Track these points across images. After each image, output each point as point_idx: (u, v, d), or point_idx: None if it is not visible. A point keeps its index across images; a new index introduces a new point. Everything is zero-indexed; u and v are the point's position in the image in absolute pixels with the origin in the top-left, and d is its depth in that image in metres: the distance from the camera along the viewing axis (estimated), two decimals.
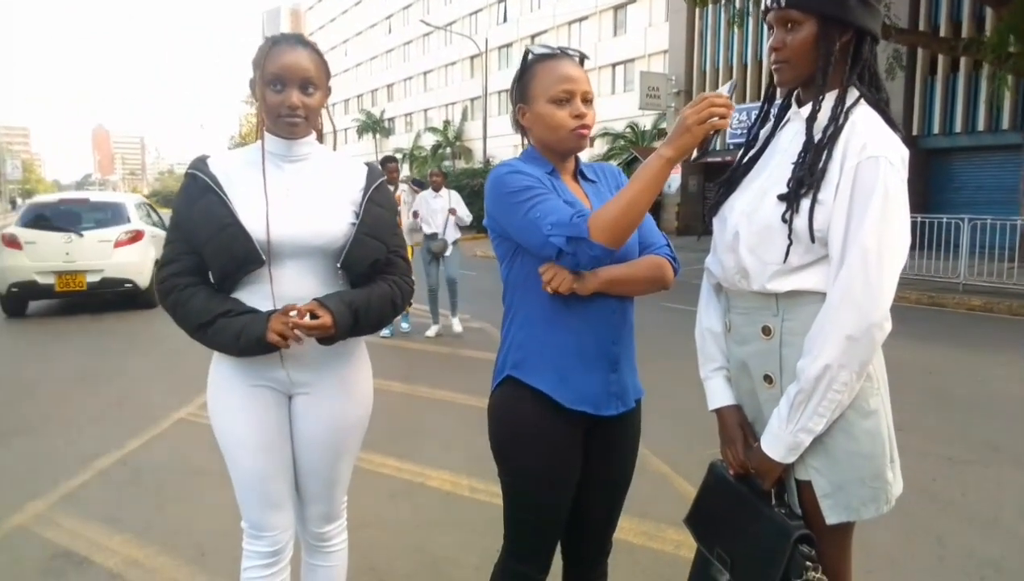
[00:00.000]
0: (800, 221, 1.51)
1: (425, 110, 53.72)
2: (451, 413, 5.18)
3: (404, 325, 8.50)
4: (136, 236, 10.11)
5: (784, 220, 1.53)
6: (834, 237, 1.49)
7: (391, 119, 57.67)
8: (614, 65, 36.85)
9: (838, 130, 1.52)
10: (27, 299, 9.81)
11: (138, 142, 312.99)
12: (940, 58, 18.48)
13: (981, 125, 18.18)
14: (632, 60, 36.36)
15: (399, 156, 38.67)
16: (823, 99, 1.56)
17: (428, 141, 49.83)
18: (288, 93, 1.81)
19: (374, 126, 57.15)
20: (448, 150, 47.25)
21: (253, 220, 1.80)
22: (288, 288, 1.86)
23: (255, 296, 1.86)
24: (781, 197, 1.54)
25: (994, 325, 9.22)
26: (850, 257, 1.46)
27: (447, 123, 48.13)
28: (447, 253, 8.33)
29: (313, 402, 1.97)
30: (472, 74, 46.81)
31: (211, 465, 4.19)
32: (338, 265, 1.90)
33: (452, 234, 8.37)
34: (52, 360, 7.19)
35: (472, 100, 45.23)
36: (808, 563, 1.51)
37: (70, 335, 8.57)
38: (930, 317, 9.59)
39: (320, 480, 2.06)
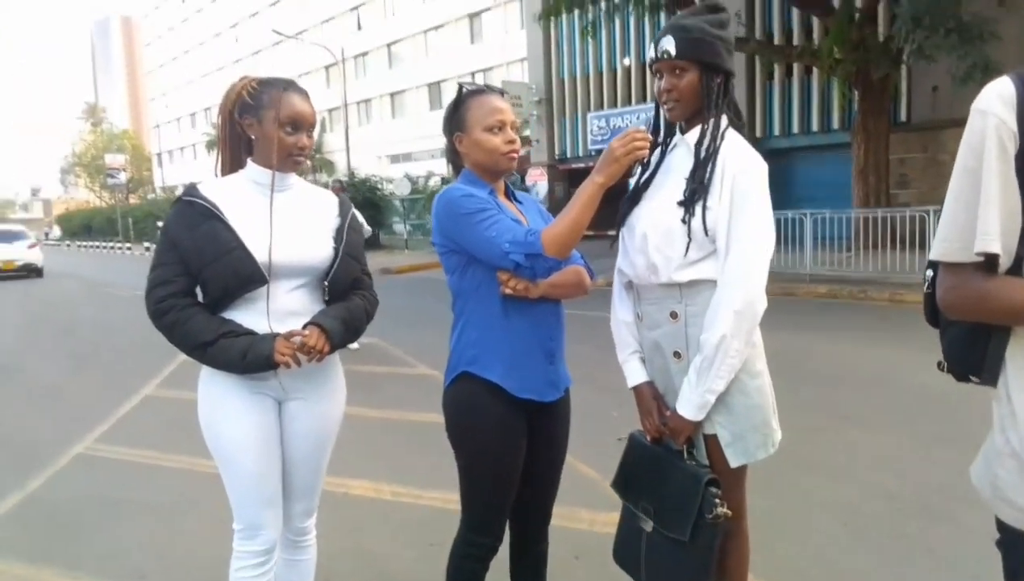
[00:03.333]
0: (696, 222, 1.88)
1: None
2: (357, 426, 5.27)
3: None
4: (36, 244, 23.97)
5: (684, 222, 1.89)
6: (720, 234, 1.88)
7: None
8: (473, 73, 37.39)
9: (716, 150, 1.91)
10: None
11: None
12: (775, 65, 20.12)
13: (815, 126, 19.99)
14: (491, 68, 37.05)
15: None
16: (707, 127, 1.94)
17: None
18: (300, 136, 2.04)
19: None
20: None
21: (255, 243, 1.98)
22: (282, 303, 2.05)
23: (250, 313, 2.03)
24: (680, 203, 1.91)
25: (839, 310, 10.28)
26: (733, 250, 1.86)
27: None
28: None
29: (305, 405, 2.17)
30: (328, 84, 46.11)
31: (127, 494, 4.15)
32: (325, 283, 2.11)
33: None
34: None
35: (330, 111, 44.57)
36: (716, 500, 1.88)
37: None
38: (783, 306, 10.47)
39: (309, 476, 2.26)
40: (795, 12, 19.31)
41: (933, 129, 16.68)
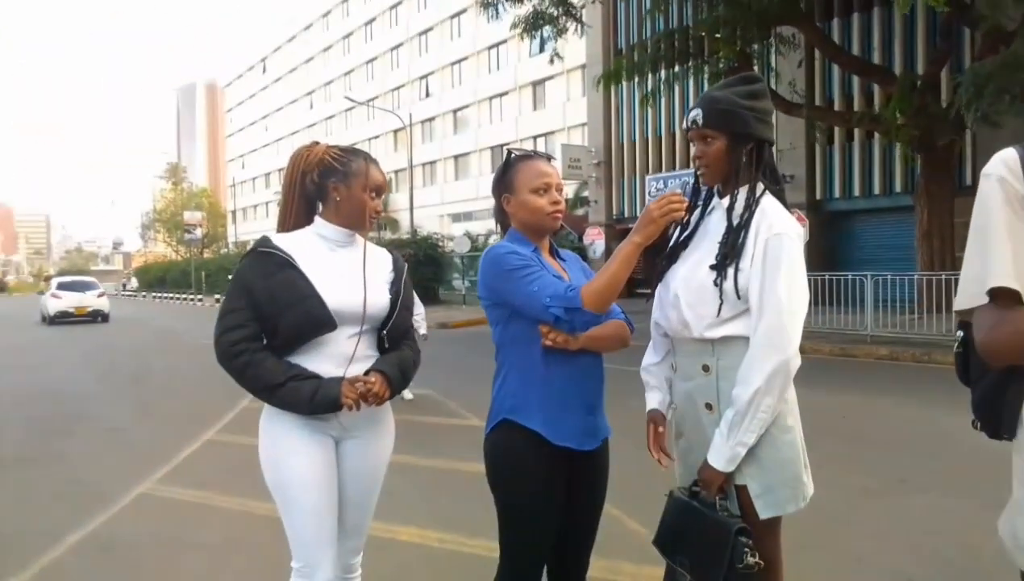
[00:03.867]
0: (728, 284, 1.95)
1: None
2: (408, 475, 5.37)
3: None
4: (103, 293, 27.28)
5: (716, 284, 1.96)
6: (753, 294, 1.94)
7: None
8: (535, 137, 38.26)
9: (751, 216, 1.99)
10: (63, 319, 25.32)
11: (43, 220, 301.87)
12: (836, 129, 20.05)
13: (877, 189, 19.72)
14: (552, 133, 37.82)
15: None
16: (738, 193, 2.04)
17: None
18: (378, 202, 2.29)
19: None
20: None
21: (325, 292, 2.16)
22: (344, 349, 2.22)
23: (315, 358, 2.19)
24: (712, 267, 1.99)
25: (900, 372, 10.00)
26: (767, 309, 1.91)
27: None
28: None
29: (360, 443, 2.32)
30: (396, 148, 47.63)
31: (184, 535, 4.31)
32: (384, 332, 2.29)
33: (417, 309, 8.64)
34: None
35: (396, 172, 45.91)
36: (747, 549, 1.89)
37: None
38: (842, 367, 10.26)
39: (361, 513, 2.39)
40: (855, 79, 19.30)
41: None
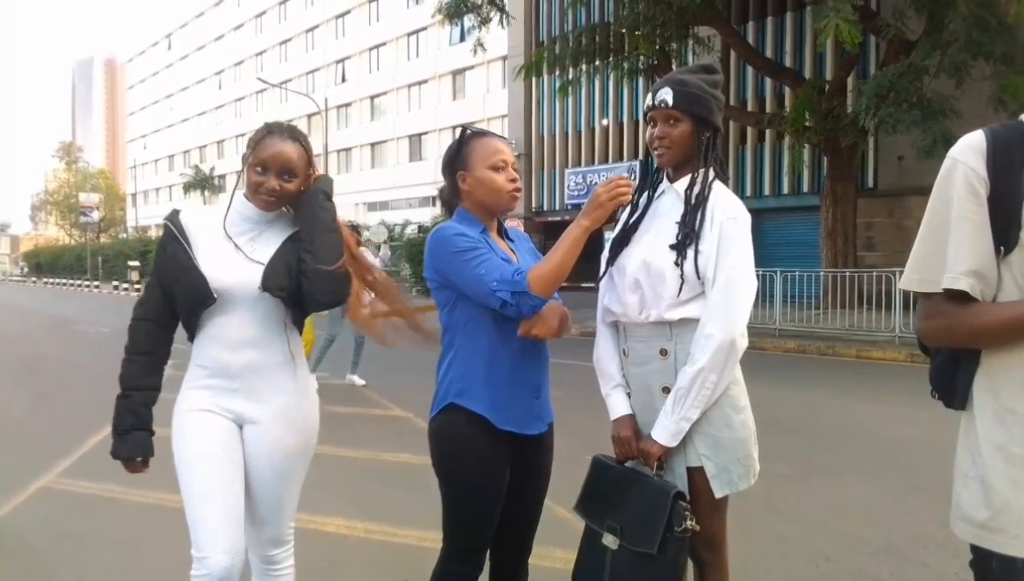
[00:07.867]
0: (688, 265, 1.97)
1: None
2: (329, 465, 5.22)
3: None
4: None
5: (676, 265, 1.97)
6: (708, 275, 1.97)
7: (222, 176, 55.55)
8: (454, 128, 37.99)
9: (706, 199, 2.02)
10: None
11: None
12: (748, 129, 20.71)
13: (786, 189, 20.49)
14: (472, 123, 37.44)
15: None
16: (697, 176, 2.05)
17: None
18: (268, 178, 2.11)
19: (202, 183, 54.98)
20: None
21: (210, 267, 2.07)
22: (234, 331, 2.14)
23: (206, 337, 2.15)
24: (672, 247, 2.00)
25: (807, 364, 10.46)
26: (717, 286, 1.96)
27: None
28: None
29: (259, 431, 2.17)
30: (310, 133, 46.24)
31: (93, 530, 4.07)
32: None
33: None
34: None
35: None
36: (686, 513, 1.93)
37: None
38: (752, 360, 10.53)
39: (267, 504, 2.22)
40: (768, 81, 19.97)
41: (898, 196, 17.22)
